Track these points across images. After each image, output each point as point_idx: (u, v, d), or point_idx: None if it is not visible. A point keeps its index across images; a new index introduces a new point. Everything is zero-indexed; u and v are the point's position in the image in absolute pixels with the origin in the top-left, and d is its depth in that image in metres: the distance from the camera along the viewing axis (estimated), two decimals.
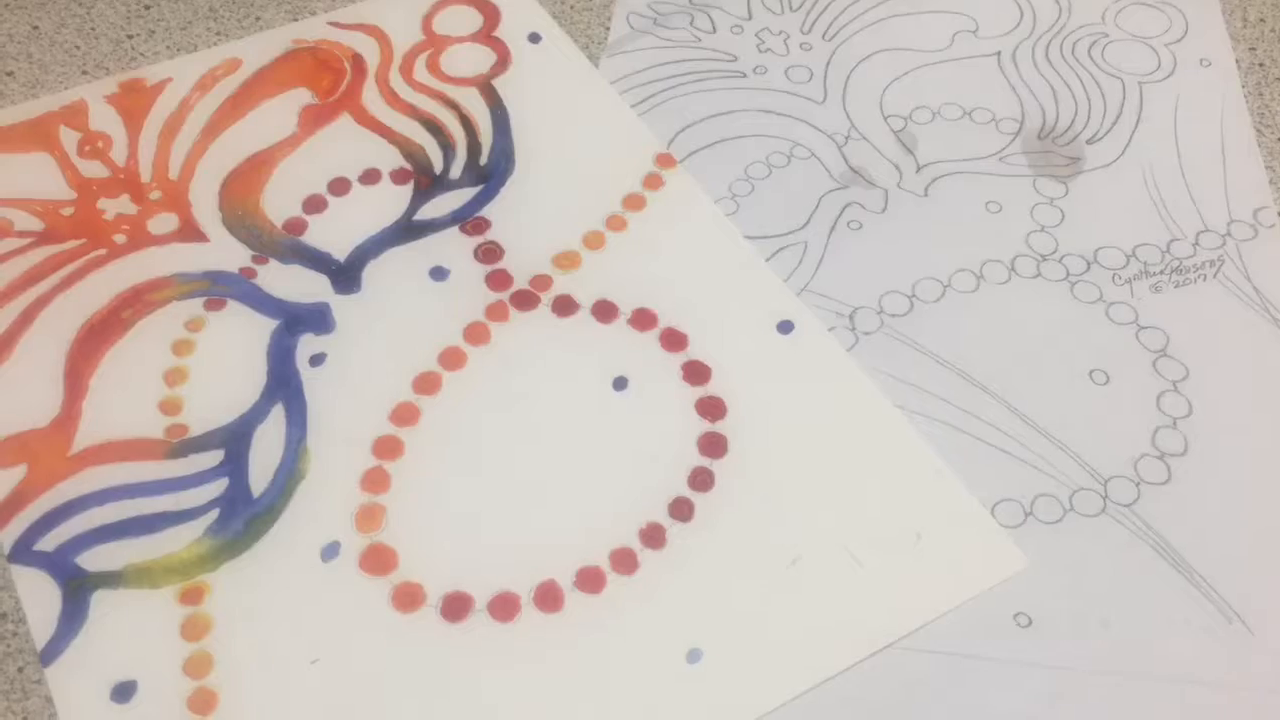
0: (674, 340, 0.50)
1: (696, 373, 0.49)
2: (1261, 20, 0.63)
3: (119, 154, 0.56)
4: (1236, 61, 0.61)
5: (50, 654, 0.41)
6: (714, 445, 0.47)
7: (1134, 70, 0.61)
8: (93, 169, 0.56)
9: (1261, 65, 0.61)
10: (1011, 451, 0.47)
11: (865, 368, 0.49)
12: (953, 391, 0.49)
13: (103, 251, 0.53)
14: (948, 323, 0.51)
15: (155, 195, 0.55)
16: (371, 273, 0.52)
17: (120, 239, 0.53)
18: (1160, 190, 0.56)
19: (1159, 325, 0.51)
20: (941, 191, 0.56)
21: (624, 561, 0.44)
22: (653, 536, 0.44)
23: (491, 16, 0.63)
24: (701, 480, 0.46)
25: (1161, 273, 0.53)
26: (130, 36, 0.62)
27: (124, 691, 0.40)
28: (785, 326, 0.50)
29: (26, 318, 0.50)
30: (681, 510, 0.45)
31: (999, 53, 0.62)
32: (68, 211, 0.54)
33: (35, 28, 0.63)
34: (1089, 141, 0.58)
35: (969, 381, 0.49)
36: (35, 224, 0.54)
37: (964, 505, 0.45)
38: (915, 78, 0.61)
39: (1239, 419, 0.48)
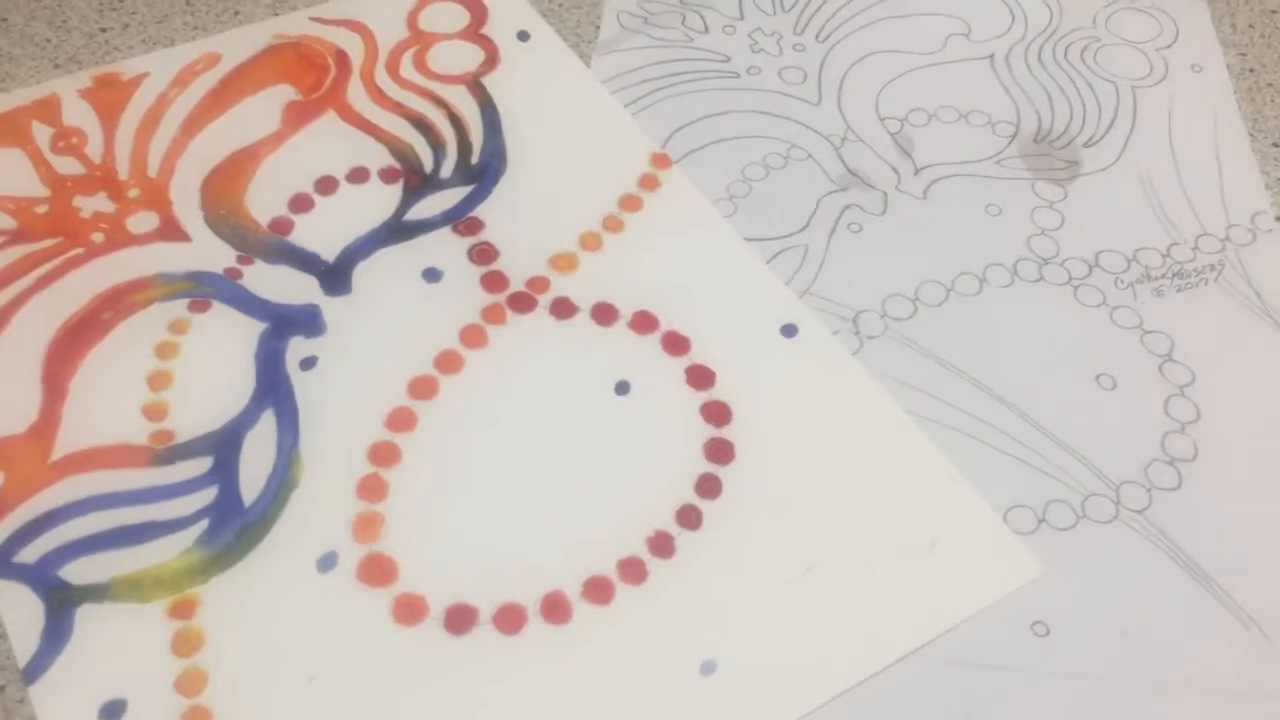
0: (676, 344, 0.49)
1: (700, 377, 0.48)
2: (1250, 26, 0.63)
3: (94, 150, 0.54)
4: (1228, 67, 0.61)
5: (34, 671, 0.39)
6: (721, 451, 0.46)
7: (1127, 75, 0.61)
8: (67, 165, 0.54)
9: (1252, 71, 0.61)
10: (1021, 457, 0.46)
11: (872, 372, 0.48)
12: (960, 396, 0.48)
13: (80, 251, 0.51)
14: (952, 326, 0.50)
15: (134, 193, 0.53)
16: (362, 274, 0.51)
17: (98, 238, 0.51)
18: (1158, 194, 0.55)
19: (1163, 329, 0.50)
20: (941, 194, 0.55)
21: (632, 571, 0.42)
22: (661, 545, 0.43)
23: (479, 13, 0.62)
24: (709, 487, 0.45)
25: (1163, 276, 0.52)
26: (104, 30, 0.60)
27: (113, 711, 0.38)
28: (789, 330, 0.49)
29: (1, 319, 0.48)
30: (690, 518, 0.44)
31: (992, 55, 0.62)
32: (42, 209, 0.52)
33: (3, 20, 0.60)
34: (1086, 145, 0.57)
35: (976, 386, 0.48)
36: (8, 222, 0.51)
37: (977, 512, 0.44)
38: (910, 80, 0.60)
39: (1247, 423, 0.47)
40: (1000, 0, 0.65)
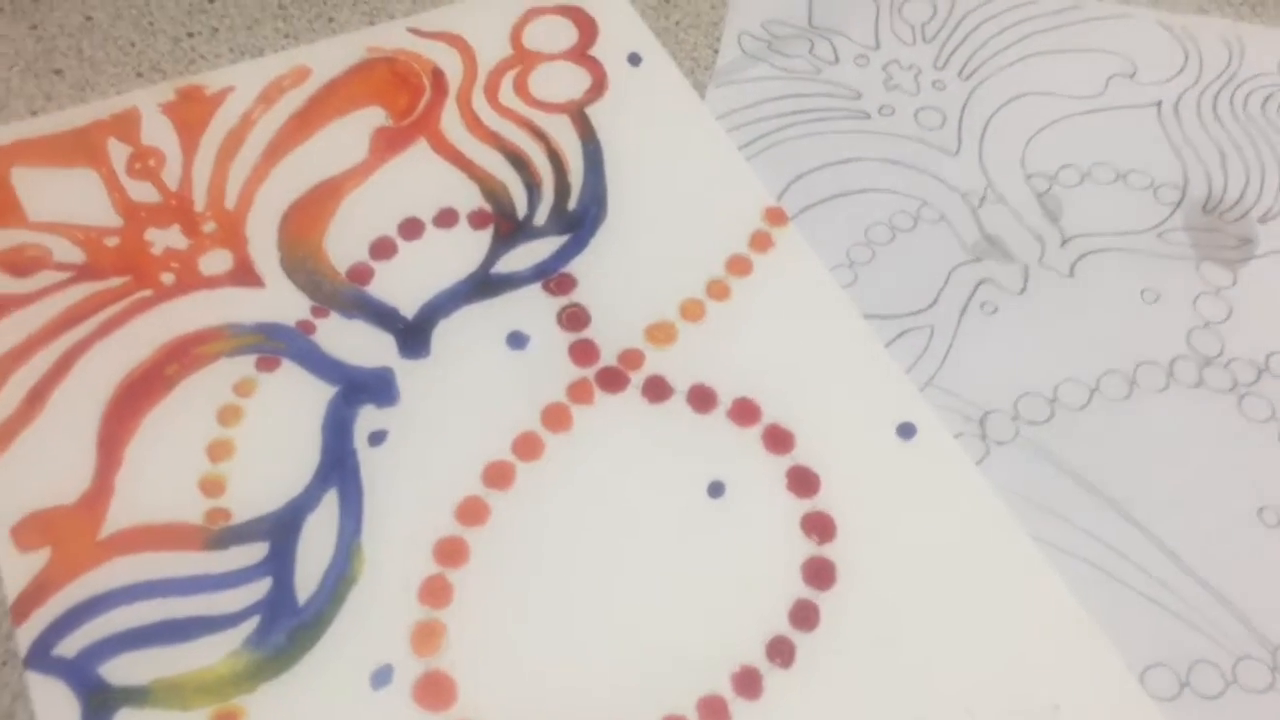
0: (779, 440, 0.44)
1: (804, 482, 0.43)
2: None
3: (171, 175, 0.51)
4: None
5: None
6: (821, 573, 0.41)
7: None
8: (143, 191, 0.51)
9: None
10: (1165, 603, 0.41)
11: (997, 487, 0.43)
12: (1097, 523, 0.42)
13: (148, 293, 0.47)
14: (1094, 436, 0.44)
15: (209, 227, 0.49)
16: (442, 334, 0.47)
17: (168, 279, 0.48)
18: None
19: None
20: (1089, 271, 0.49)
21: (714, 712, 0.38)
22: (747, 683, 0.39)
23: (588, 31, 0.57)
24: (805, 616, 0.40)
25: None
26: (191, 34, 0.57)
27: None
28: (906, 430, 0.44)
29: (62, 366, 0.45)
30: (781, 652, 0.39)
31: (1159, 103, 0.55)
32: (112, 242, 0.49)
33: (89, 18, 0.57)
34: (1261, 220, 0.51)
35: (1117, 511, 0.43)
36: (76, 255, 0.48)
37: (1111, 670, 0.39)
38: (1063, 128, 0.54)
39: None
40: (1172, 36, 0.57)
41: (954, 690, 0.39)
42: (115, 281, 0.48)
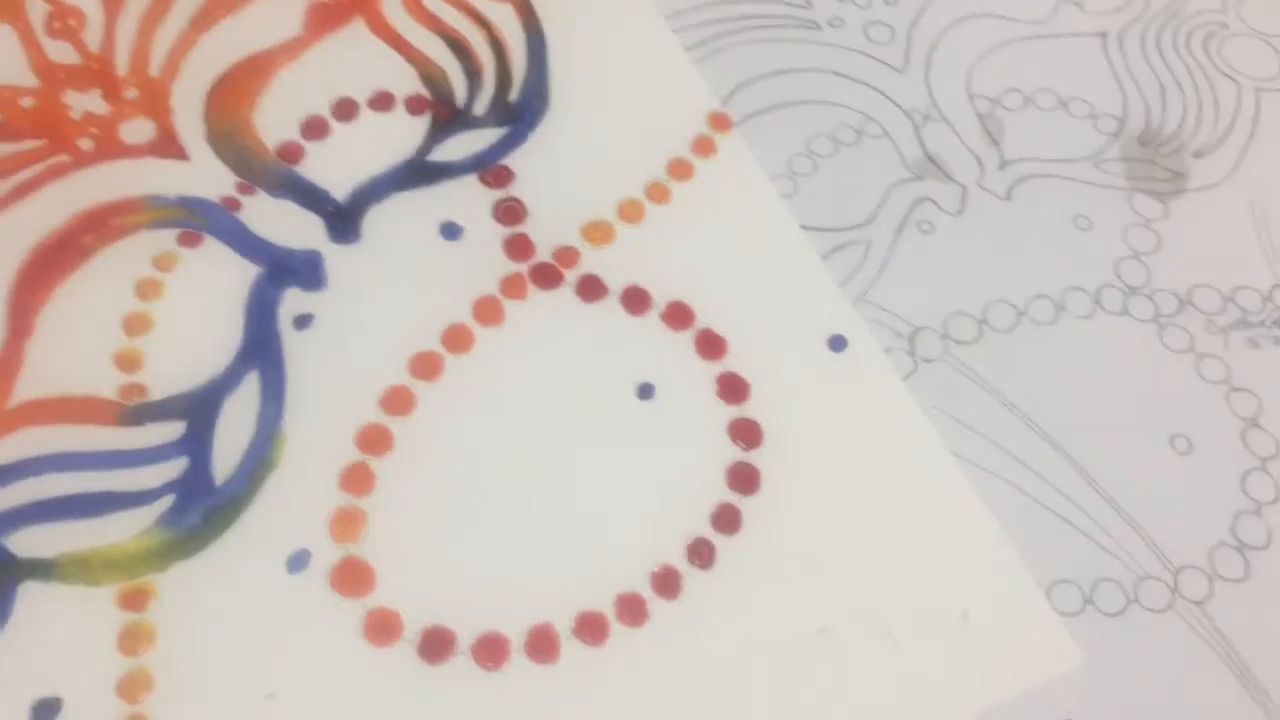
0: (710, 345, 0.44)
1: (733, 388, 0.43)
2: None
3: (93, 37, 0.49)
4: None
5: None
6: (745, 478, 0.41)
7: (1253, 73, 0.54)
8: (61, 52, 0.48)
9: None
10: (1075, 522, 0.42)
11: (922, 403, 0.43)
12: (1016, 442, 0.43)
13: (65, 158, 0.45)
14: (1019, 358, 0.45)
15: (131, 94, 0.47)
16: (374, 220, 0.45)
17: (86, 144, 0.46)
18: (1270, 223, 0.49)
19: (1253, 388, 0.45)
20: (1026, 196, 0.49)
21: (631, 610, 0.38)
22: (667, 583, 0.39)
23: None
24: (727, 520, 0.40)
25: (1261, 324, 0.47)
26: None
27: (47, 711, 0.35)
28: (837, 343, 0.44)
29: None
30: (702, 554, 0.40)
31: (1105, 33, 0.55)
32: (28, 102, 0.47)
33: None
34: (1196, 155, 0.51)
35: (1036, 432, 0.43)
36: None
37: (1019, 584, 0.40)
38: (1009, 52, 0.54)
39: None
40: None
41: (869, 596, 0.39)
42: (30, 144, 0.46)
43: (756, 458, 0.42)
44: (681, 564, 0.39)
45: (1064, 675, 0.39)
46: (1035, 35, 0.54)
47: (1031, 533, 0.41)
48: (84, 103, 0.47)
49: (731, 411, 0.42)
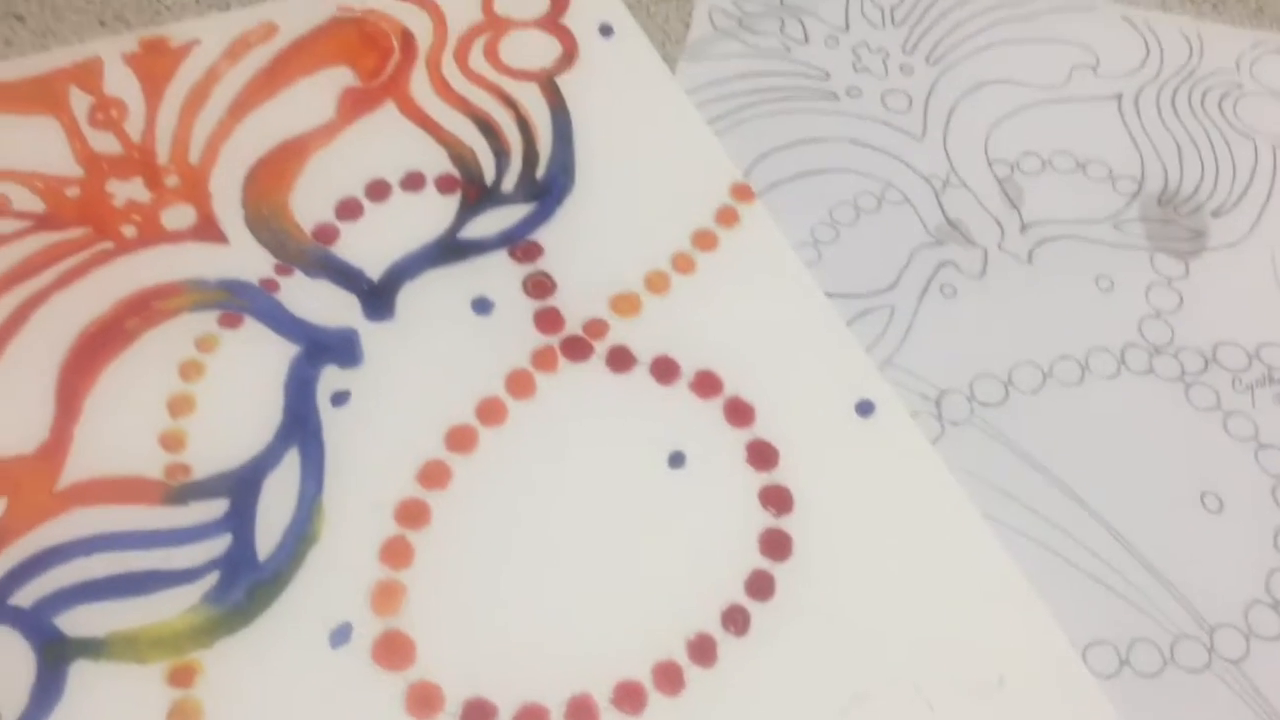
0: (739, 413, 0.44)
1: (763, 455, 0.43)
2: None
3: (134, 127, 0.50)
4: None
5: None
6: (778, 544, 0.42)
7: (1269, 131, 0.55)
8: (104, 142, 0.50)
9: None
10: (1108, 583, 0.42)
11: (951, 464, 0.44)
12: (1046, 503, 0.43)
13: (109, 245, 0.47)
14: (1046, 419, 0.45)
15: (172, 181, 0.49)
16: (407, 297, 0.47)
17: (130, 231, 0.47)
18: None
19: None
20: (1047, 258, 0.50)
21: (669, 678, 0.39)
22: (702, 650, 0.39)
23: (560, 0, 0.56)
24: (760, 586, 0.41)
25: None
26: None
27: None
28: (865, 408, 0.45)
29: (19, 317, 0.45)
30: (737, 620, 0.40)
31: (1120, 95, 0.56)
32: (73, 192, 0.48)
33: None
34: (1214, 214, 0.52)
35: (1065, 493, 0.44)
36: (36, 204, 0.48)
37: (1054, 647, 0.40)
38: (1026, 117, 0.55)
39: None
40: (1134, 30, 0.58)
41: (903, 662, 0.39)
42: (75, 232, 0.47)
43: (788, 523, 0.42)
44: (717, 631, 0.40)
45: None
46: (1051, 100, 0.55)
47: (1065, 594, 0.41)
48: (126, 190, 0.48)
49: (762, 478, 0.43)
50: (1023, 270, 0.50)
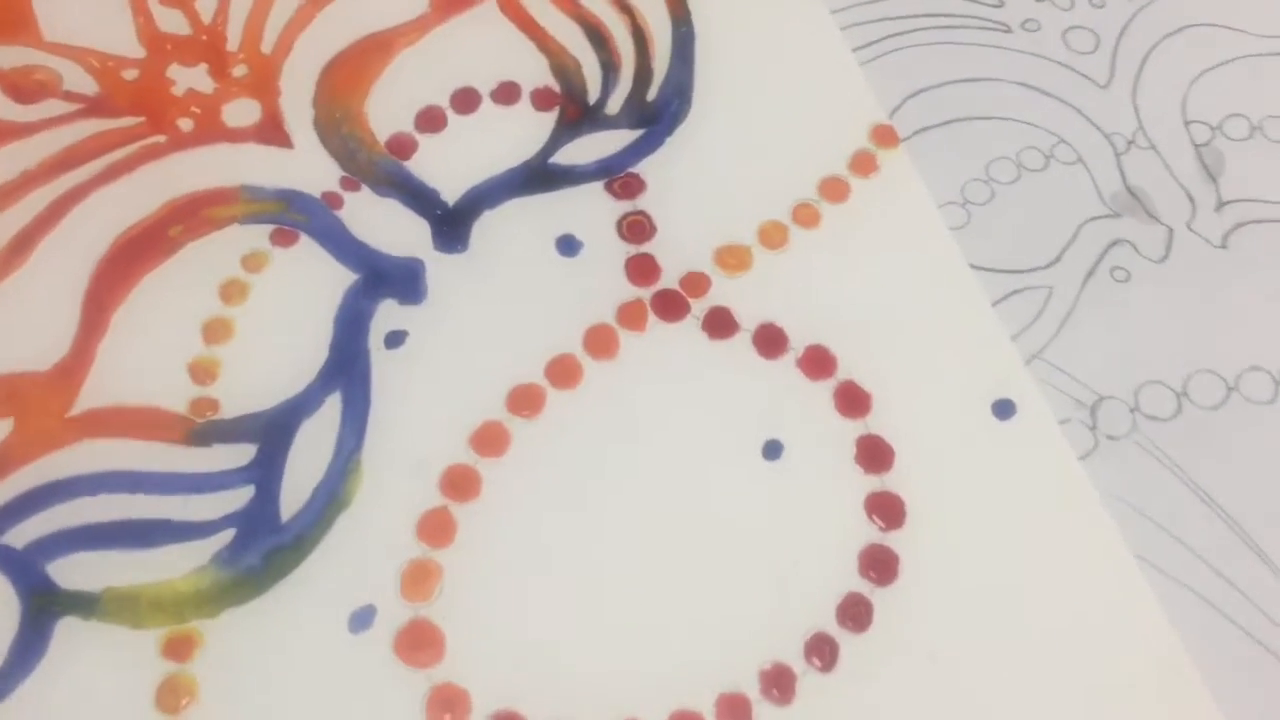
0: (852, 400, 0.38)
1: (875, 454, 0.37)
2: None
3: (206, 6, 0.45)
4: None
5: None
6: (881, 565, 0.35)
7: None
8: (172, 20, 0.45)
9: None
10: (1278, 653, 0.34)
11: (1101, 489, 0.36)
12: (1214, 547, 0.36)
13: (162, 139, 0.42)
14: (1225, 443, 0.38)
15: (239, 71, 0.44)
16: (484, 228, 0.41)
17: (186, 125, 0.42)
18: None
19: None
20: (1246, 245, 0.42)
21: (734, 713, 0.33)
22: (779, 684, 0.33)
23: None
24: (856, 613, 0.34)
25: None
26: None
27: None
28: (1003, 409, 0.38)
29: (55, 212, 0.40)
30: (822, 652, 0.34)
31: None
32: (130, 74, 0.43)
33: None
34: None
35: (1239, 536, 0.36)
36: (89, 84, 0.43)
37: None
38: (1237, 70, 0.46)
39: None
40: None
41: None
42: (128, 121, 0.42)
43: (896, 540, 0.35)
44: (798, 663, 0.34)
45: None
46: (1271, 52, 0.46)
47: (1223, 660, 0.34)
48: (189, 78, 0.43)
49: (871, 482, 0.36)
50: (1214, 257, 0.41)
